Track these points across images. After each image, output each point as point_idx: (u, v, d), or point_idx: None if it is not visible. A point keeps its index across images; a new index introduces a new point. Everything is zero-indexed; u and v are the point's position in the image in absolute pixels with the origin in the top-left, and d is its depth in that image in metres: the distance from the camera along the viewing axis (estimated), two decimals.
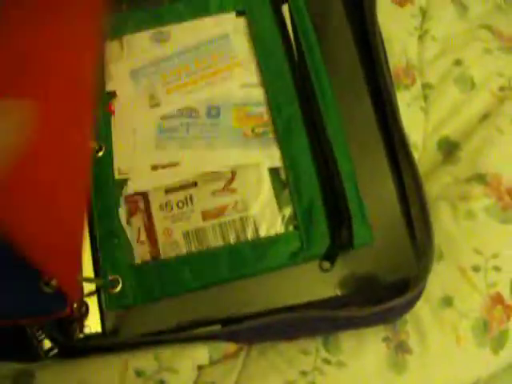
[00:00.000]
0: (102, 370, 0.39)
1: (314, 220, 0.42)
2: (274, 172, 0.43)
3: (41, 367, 0.40)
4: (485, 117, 0.48)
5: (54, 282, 0.38)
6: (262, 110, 0.45)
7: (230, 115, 0.45)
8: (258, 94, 0.45)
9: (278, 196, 0.43)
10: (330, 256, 0.42)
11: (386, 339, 0.41)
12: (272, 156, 0.44)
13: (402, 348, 0.41)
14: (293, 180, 0.43)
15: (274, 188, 0.43)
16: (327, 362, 0.41)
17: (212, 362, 0.41)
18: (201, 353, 0.40)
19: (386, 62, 0.46)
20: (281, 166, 0.43)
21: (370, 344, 0.41)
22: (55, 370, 0.40)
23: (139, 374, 0.39)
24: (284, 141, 0.44)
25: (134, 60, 0.47)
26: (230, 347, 0.42)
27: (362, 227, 0.42)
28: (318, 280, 0.42)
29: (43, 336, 0.40)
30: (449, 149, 0.48)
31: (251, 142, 0.44)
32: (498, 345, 0.41)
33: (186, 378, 0.40)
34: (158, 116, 0.45)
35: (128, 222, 0.43)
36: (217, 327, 0.41)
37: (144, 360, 0.39)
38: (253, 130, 0.44)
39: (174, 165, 0.44)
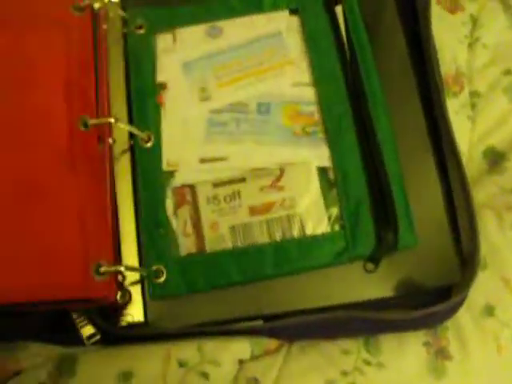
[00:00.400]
0: (145, 359, 0.40)
1: (361, 221, 0.42)
2: (322, 171, 0.43)
3: (84, 353, 0.41)
4: None
5: (101, 269, 0.39)
6: (313, 109, 0.45)
7: (280, 113, 0.45)
8: (310, 93, 0.45)
9: (325, 195, 0.43)
10: (375, 257, 0.42)
11: (426, 344, 0.41)
12: (321, 155, 0.44)
13: (442, 354, 0.41)
14: (341, 180, 0.43)
15: (322, 187, 0.43)
16: (367, 362, 0.41)
17: (253, 357, 0.41)
18: (243, 347, 0.41)
19: (438, 68, 0.46)
20: (329, 165, 0.43)
21: (411, 347, 0.41)
22: (98, 355, 0.40)
23: (182, 364, 0.39)
24: (333, 141, 0.44)
25: (186, 53, 0.47)
26: (272, 343, 0.42)
27: (407, 230, 0.42)
28: (361, 281, 0.42)
29: (85, 322, 0.40)
30: (495, 159, 0.48)
31: (301, 140, 0.44)
32: None
33: (228, 372, 0.40)
34: (209, 109, 0.45)
35: (175, 214, 0.43)
36: (259, 322, 0.41)
37: (187, 351, 0.40)
38: (303, 129, 0.44)
39: (222, 159, 0.44)
